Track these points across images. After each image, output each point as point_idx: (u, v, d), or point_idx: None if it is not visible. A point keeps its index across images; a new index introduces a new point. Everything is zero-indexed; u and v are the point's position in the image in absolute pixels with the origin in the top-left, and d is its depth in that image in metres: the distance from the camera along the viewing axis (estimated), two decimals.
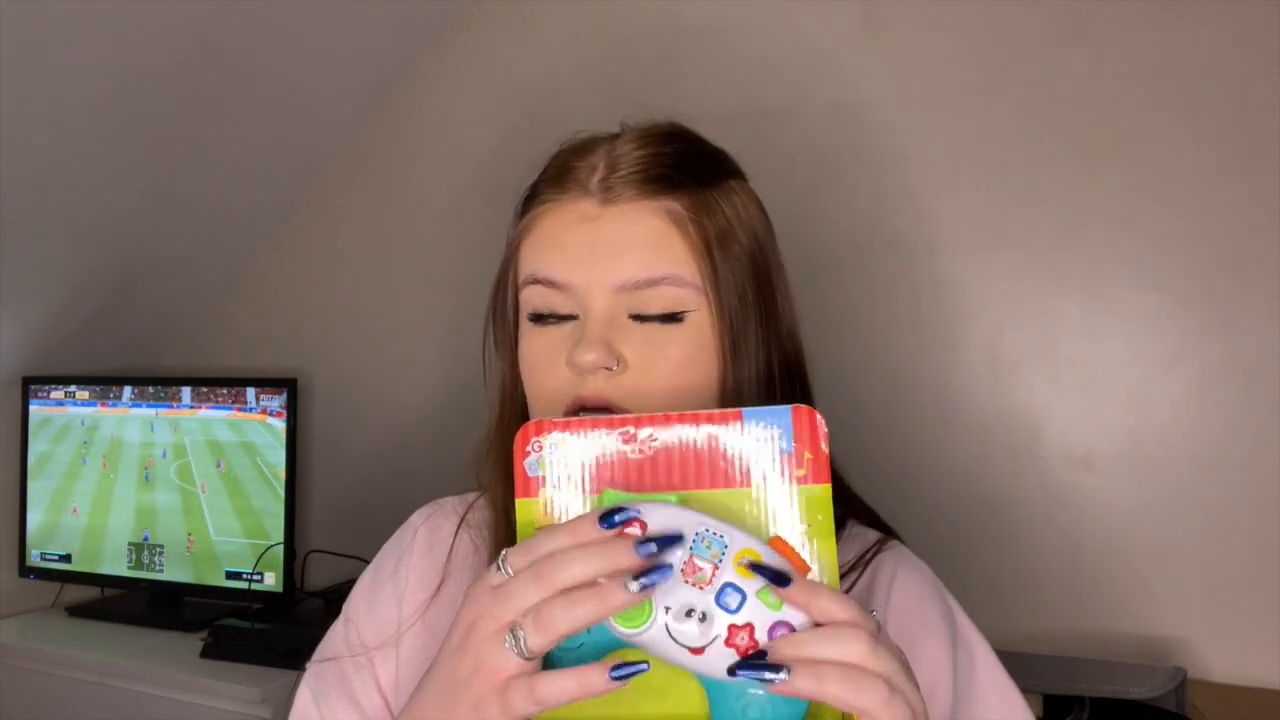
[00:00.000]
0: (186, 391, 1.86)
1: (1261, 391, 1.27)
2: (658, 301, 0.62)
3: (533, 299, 0.65)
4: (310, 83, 1.70)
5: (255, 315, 2.03)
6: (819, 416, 0.53)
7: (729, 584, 0.49)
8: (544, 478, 0.54)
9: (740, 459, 0.53)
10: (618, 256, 0.62)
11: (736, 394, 0.64)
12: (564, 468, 0.53)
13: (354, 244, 1.91)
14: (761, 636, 0.49)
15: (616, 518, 0.49)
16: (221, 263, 1.97)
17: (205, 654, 1.61)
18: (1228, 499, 1.28)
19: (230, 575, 1.78)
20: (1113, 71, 1.32)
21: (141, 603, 1.86)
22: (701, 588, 0.49)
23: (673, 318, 0.63)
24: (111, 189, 1.63)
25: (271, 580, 1.75)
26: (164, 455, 1.87)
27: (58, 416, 1.94)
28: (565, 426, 0.53)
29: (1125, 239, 1.33)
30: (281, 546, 1.74)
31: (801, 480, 0.52)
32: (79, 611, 1.87)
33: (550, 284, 0.63)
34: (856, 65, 1.46)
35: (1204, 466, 1.29)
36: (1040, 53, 1.36)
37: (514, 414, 0.70)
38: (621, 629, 0.49)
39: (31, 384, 1.94)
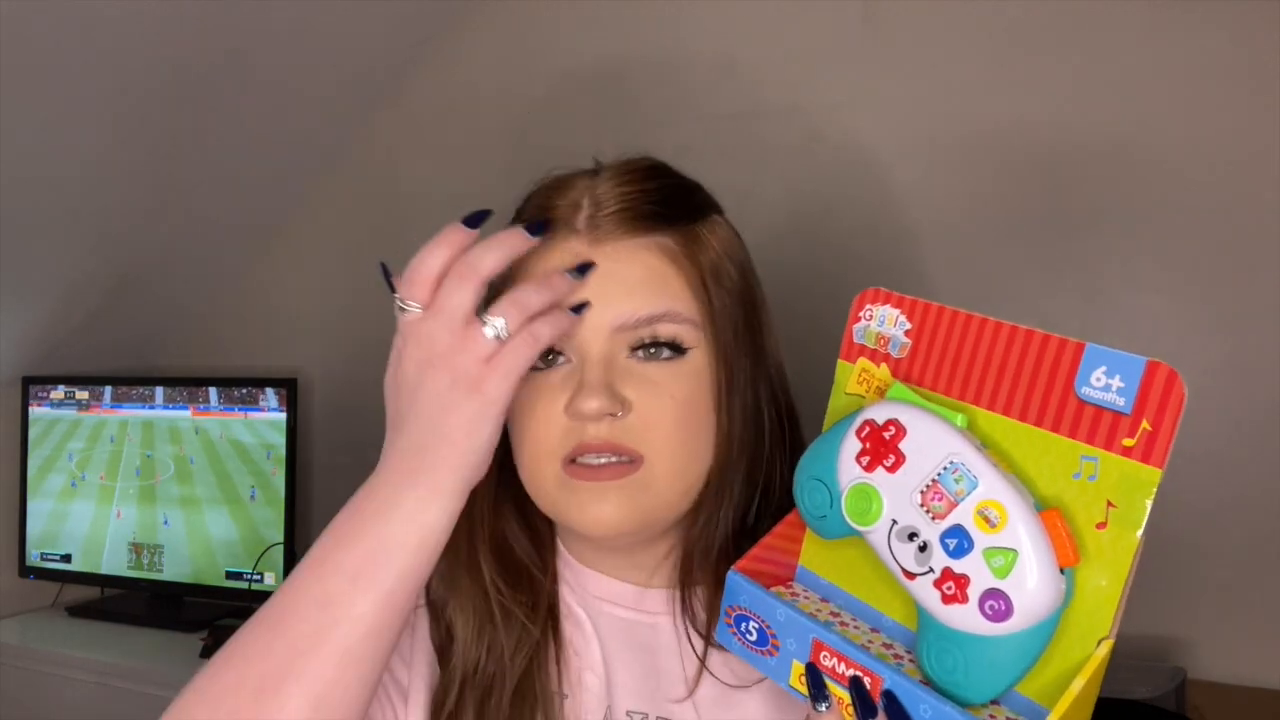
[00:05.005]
0: (186, 391, 1.86)
1: (1261, 391, 1.27)
2: (658, 337, 0.60)
3: None
4: (311, 82, 1.70)
5: (255, 315, 2.03)
6: (1181, 383, 0.43)
7: (959, 527, 0.45)
8: (864, 347, 0.55)
9: (1056, 397, 0.45)
10: (615, 296, 0.60)
11: (728, 432, 0.63)
12: (881, 343, 0.54)
13: (354, 244, 1.91)
14: (973, 595, 0.44)
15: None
16: (221, 262, 1.97)
17: (205, 654, 1.61)
18: (1228, 499, 1.28)
19: (230, 575, 1.78)
20: (1113, 71, 1.32)
21: (141, 603, 1.86)
22: (933, 519, 0.46)
23: (676, 350, 0.61)
24: (111, 189, 1.62)
25: (271, 580, 1.75)
26: (164, 454, 1.87)
27: (58, 416, 1.94)
28: (899, 303, 0.54)
29: (1125, 239, 1.33)
30: (281, 547, 1.74)
31: (1126, 451, 0.43)
32: (79, 611, 1.87)
33: None
34: (856, 65, 1.46)
35: (1204, 467, 1.29)
36: (1040, 52, 1.36)
37: (493, 462, 0.65)
38: (853, 523, 0.50)
39: (31, 384, 1.95)
